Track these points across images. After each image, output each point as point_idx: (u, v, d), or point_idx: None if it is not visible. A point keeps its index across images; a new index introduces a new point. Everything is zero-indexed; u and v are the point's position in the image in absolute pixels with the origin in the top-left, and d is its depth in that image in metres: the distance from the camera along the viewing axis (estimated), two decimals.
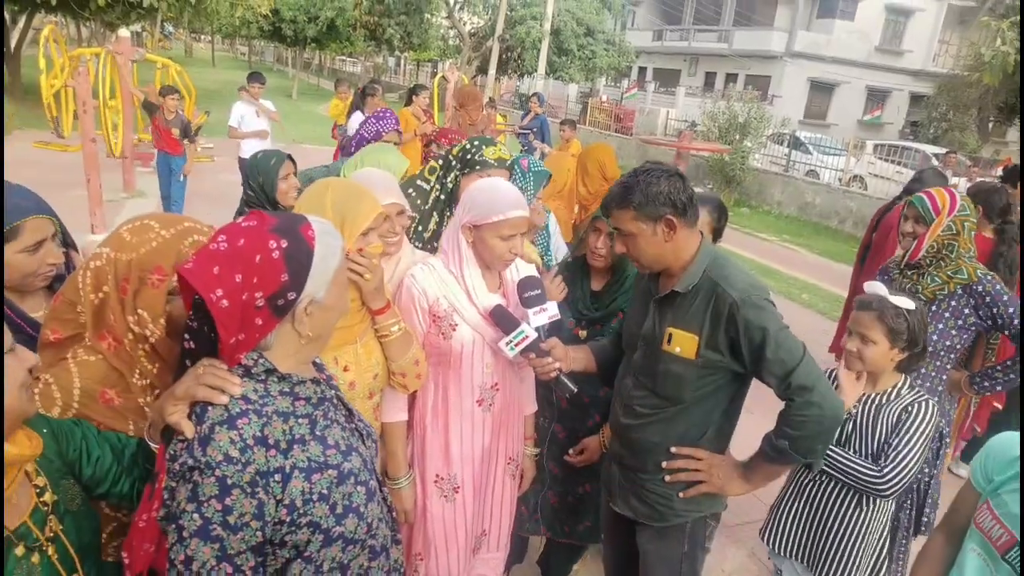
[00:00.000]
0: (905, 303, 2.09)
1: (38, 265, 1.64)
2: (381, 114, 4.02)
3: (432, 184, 2.52)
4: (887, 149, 15.53)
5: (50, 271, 1.68)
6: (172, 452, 1.18)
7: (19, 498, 1.16)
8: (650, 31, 34.42)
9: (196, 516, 1.11)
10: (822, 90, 28.71)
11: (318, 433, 1.26)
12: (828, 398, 1.77)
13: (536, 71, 23.32)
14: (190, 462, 1.13)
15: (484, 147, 2.44)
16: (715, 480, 1.96)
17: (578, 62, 24.81)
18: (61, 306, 1.45)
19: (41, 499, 1.19)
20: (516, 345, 1.95)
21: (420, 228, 2.51)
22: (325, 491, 1.22)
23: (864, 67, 28.35)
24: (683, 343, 1.87)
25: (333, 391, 1.39)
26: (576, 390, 2.02)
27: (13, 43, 17.31)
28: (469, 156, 2.44)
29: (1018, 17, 14.72)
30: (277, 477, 1.16)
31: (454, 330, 2.01)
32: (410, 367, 1.96)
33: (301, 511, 1.18)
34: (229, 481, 1.11)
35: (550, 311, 2.01)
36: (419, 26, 26.91)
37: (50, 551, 1.19)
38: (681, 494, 1.99)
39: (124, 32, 8.85)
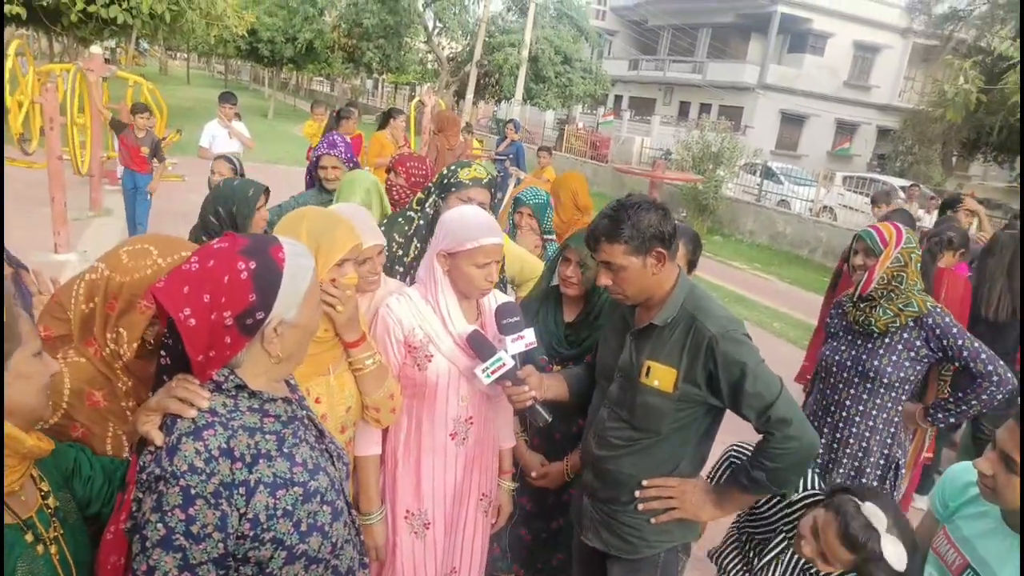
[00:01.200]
0: (897, 557, 1.66)
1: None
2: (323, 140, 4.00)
3: (417, 211, 2.52)
4: (856, 181, 15.91)
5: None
6: (142, 463, 1.20)
7: (27, 495, 1.19)
8: (626, 60, 35.01)
9: (160, 526, 1.13)
10: (793, 122, 29.39)
11: (285, 450, 1.28)
12: (806, 431, 1.80)
13: (513, 97, 23.55)
14: (156, 472, 1.15)
15: (459, 170, 2.45)
16: (687, 506, 1.97)
17: (555, 89, 25.11)
18: (54, 306, 1.49)
19: (45, 502, 1.23)
20: (492, 372, 1.92)
21: (401, 253, 2.51)
22: (290, 507, 1.23)
23: (833, 101, 29.12)
24: (661, 376, 1.87)
25: (305, 411, 1.40)
26: (550, 419, 1.99)
27: None
28: (446, 180, 2.44)
29: (980, 57, 15.23)
30: (241, 490, 1.18)
31: (429, 361, 1.99)
32: (384, 401, 1.92)
33: (265, 526, 1.20)
34: (193, 491, 1.13)
35: (527, 339, 1.99)
36: (397, 50, 27.06)
37: (52, 550, 1.21)
38: (653, 520, 1.98)
39: (96, 48, 8.77)
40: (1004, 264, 3.87)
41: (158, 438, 1.17)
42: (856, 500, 1.71)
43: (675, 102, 32.75)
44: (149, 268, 1.45)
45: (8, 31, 16.23)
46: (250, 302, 1.19)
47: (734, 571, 2.20)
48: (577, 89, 25.33)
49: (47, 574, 1.19)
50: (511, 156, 11.22)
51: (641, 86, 34.16)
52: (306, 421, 1.38)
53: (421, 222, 2.48)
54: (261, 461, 1.22)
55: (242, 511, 1.18)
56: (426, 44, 28.58)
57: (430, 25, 27.76)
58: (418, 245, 2.47)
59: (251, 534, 1.19)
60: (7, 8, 11.83)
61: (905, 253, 2.56)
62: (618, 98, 35.08)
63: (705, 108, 29.79)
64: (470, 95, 23.72)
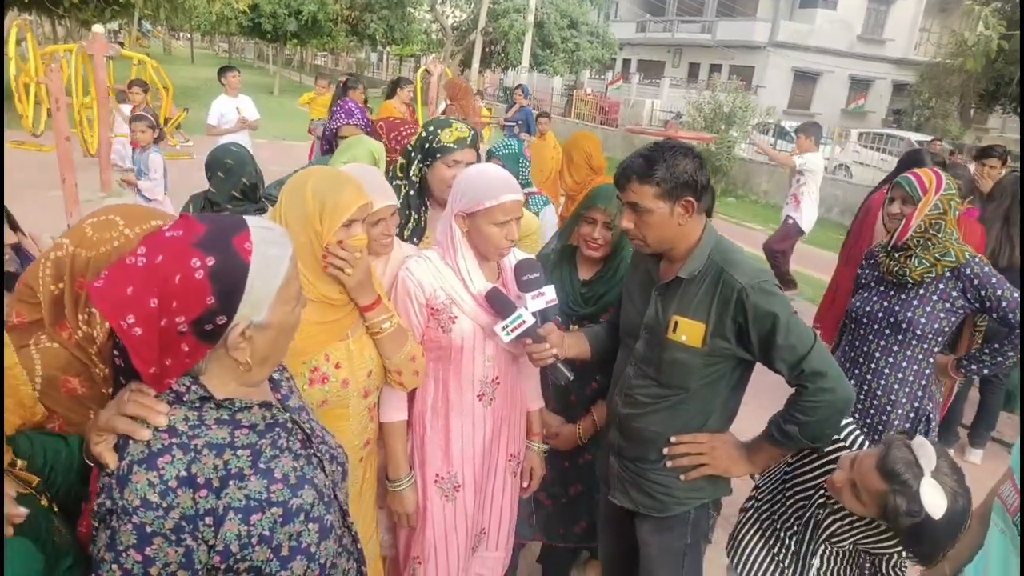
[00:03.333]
0: (933, 503, 1.51)
1: None
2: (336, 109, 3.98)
3: (403, 180, 2.40)
4: (872, 137, 15.60)
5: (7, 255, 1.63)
6: (101, 484, 1.06)
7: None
8: (633, 22, 34.37)
9: (115, 567, 1.00)
10: (805, 79, 28.79)
11: (262, 466, 1.13)
12: (840, 383, 1.74)
13: (520, 64, 23.20)
14: (108, 504, 1.02)
15: (440, 131, 2.28)
16: (718, 461, 1.92)
17: (562, 55, 24.70)
18: (23, 289, 1.40)
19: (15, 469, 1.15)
20: (512, 330, 1.88)
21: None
22: (267, 532, 1.10)
23: (847, 56, 28.46)
24: (689, 331, 1.82)
25: (288, 414, 1.25)
26: (572, 377, 1.96)
27: None
28: (428, 145, 2.29)
29: (1000, 3, 14.80)
30: (208, 520, 1.04)
31: (453, 323, 1.95)
32: (406, 364, 1.88)
33: (238, 556, 1.06)
34: (148, 529, 0.99)
35: (548, 295, 1.94)
36: (401, 20, 26.68)
37: (43, 501, 1.15)
38: (683, 476, 1.94)
39: (99, 28, 8.67)
40: (1003, 209, 3.83)
41: (111, 460, 1.04)
42: (907, 440, 1.61)
43: (684, 64, 32.17)
44: (116, 240, 1.35)
45: (10, 15, 16.12)
46: (207, 306, 1.02)
47: (758, 561, 2.06)
48: (584, 54, 24.91)
49: (65, 532, 1.16)
50: (520, 122, 11.06)
51: (649, 48, 33.55)
52: (289, 425, 1.23)
53: (411, 192, 2.35)
54: (231, 483, 1.07)
55: (211, 543, 1.04)
56: (430, 13, 28.14)
57: None
58: (414, 215, 2.36)
59: (223, 566, 1.06)
60: None
61: (944, 200, 2.47)
62: (626, 62, 34.51)
63: (715, 69, 29.24)
64: (476, 63, 23.39)
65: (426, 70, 11.82)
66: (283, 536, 1.12)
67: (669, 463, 1.95)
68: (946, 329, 2.54)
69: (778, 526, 1.98)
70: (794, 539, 1.92)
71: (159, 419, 1.05)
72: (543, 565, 2.81)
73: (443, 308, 1.95)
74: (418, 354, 1.93)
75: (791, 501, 1.95)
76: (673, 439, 1.93)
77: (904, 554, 1.66)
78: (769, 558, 2.01)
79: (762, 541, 2.04)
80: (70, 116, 8.06)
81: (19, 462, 1.17)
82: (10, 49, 9.76)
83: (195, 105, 12.77)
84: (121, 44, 8.85)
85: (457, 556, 2.11)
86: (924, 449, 1.55)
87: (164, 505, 1.00)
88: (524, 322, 1.89)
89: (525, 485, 2.26)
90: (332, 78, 10.64)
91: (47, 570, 1.08)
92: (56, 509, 1.19)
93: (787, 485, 1.97)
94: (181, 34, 52.31)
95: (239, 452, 1.11)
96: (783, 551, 1.96)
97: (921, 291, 2.53)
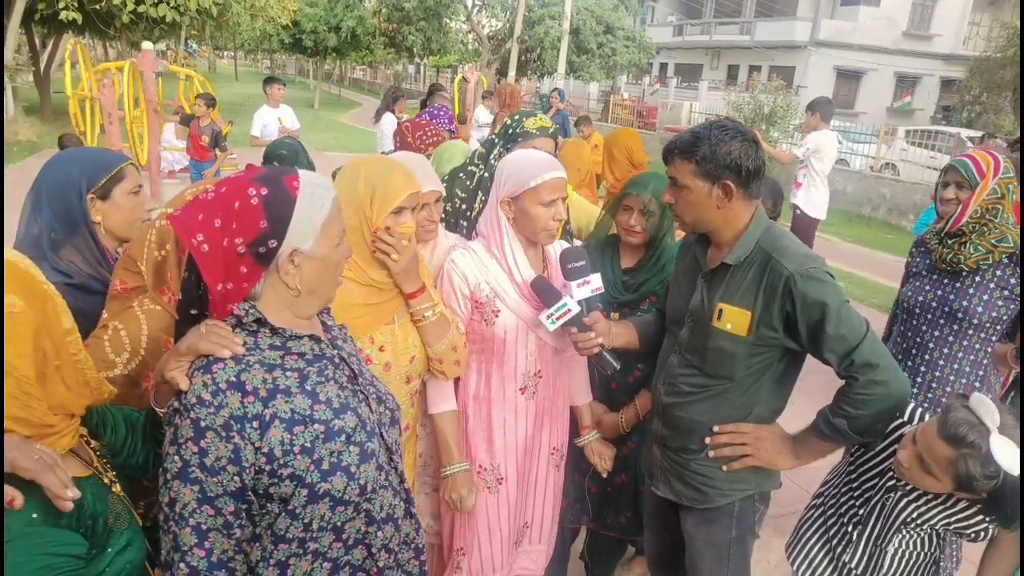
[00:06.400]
0: (1007, 457, 1.44)
1: (141, 207, 1.77)
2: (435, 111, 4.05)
3: (479, 166, 2.48)
4: (920, 134, 15.14)
5: (148, 216, 1.76)
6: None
7: (80, 447, 1.20)
8: (670, 26, 34.16)
9: (176, 458, 1.14)
10: (849, 78, 28.18)
11: (308, 388, 1.25)
12: (894, 376, 1.67)
13: (556, 71, 23.24)
14: (175, 405, 1.17)
15: (524, 119, 2.40)
16: (762, 453, 1.87)
17: (598, 60, 24.66)
18: (127, 260, 1.53)
19: (91, 445, 1.25)
20: (557, 319, 1.87)
21: (464, 208, 2.47)
22: (308, 444, 1.20)
23: (892, 53, 27.75)
24: (734, 319, 1.77)
25: (336, 351, 1.36)
26: (619, 367, 1.94)
27: (42, 65, 17.77)
28: (511, 131, 2.39)
29: None
30: (255, 424, 1.16)
31: (496, 316, 1.96)
32: (447, 353, 1.90)
33: (281, 461, 1.18)
34: (202, 423, 1.13)
35: (594, 284, 1.94)
36: (438, 31, 26.99)
37: (115, 488, 1.24)
38: (725, 467, 1.90)
39: (147, 45, 8.98)
40: None
41: (183, 382, 1.17)
42: (965, 401, 1.52)
43: (723, 66, 31.81)
44: None
45: (65, 38, 16.84)
46: (262, 229, 1.17)
47: (816, 559, 1.99)
48: (621, 59, 24.83)
49: (123, 512, 1.22)
50: (557, 126, 11.06)
51: (687, 52, 33.27)
52: (336, 360, 1.34)
53: (485, 174, 2.42)
54: (279, 396, 1.20)
55: (257, 445, 1.16)
56: (466, 23, 28.41)
57: (469, 3, 27.58)
58: (483, 198, 2.42)
59: (268, 468, 1.17)
60: (64, 14, 12.25)
61: (1003, 184, 2.37)
62: (663, 66, 34.30)
63: (755, 70, 28.78)
64: (512, 72, 23.49)
65: (463, 78, 11.94)
66: (324, 451, 1.22)
67: (711, 453, 1.91)
68: (1004, 317, 2.44)
69: (845, 520, 1.91)
70: (859, 529, 1.85)
71: (239, 348, 1.19)
72: (588, 560, 2.79)
73: (487, 301, 1.95)
74: (460, 344, 1.94)
75: (859, 492, 1.87)
76: (716, 428, 1.89)
77: (987, 522, 1.58)
78: (829, 558, 1.94)
79: (824, 539, 1.97)
80: (122, 129, 8.36)
81: (93, 442, 1.26)
82: (66, 71, 10.18)
83: (240, 119, 13.14)
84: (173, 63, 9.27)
85: (501, 548, 2.11)
86: (985, 406, 1.47)
87: (215, 403, 1.15)
88: (569, 310, 1.88)
89: (605, 470, 2.26)
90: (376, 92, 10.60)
91: (97, 554, 1.12)
92: (119, 489, 1.24)
93: (853, 476, 1.90)
94: (224, 53, 53.89)
95: (287, 373, 1.24)
96: (848, 547, 1.88)
97: (977, 279, 2.43)
